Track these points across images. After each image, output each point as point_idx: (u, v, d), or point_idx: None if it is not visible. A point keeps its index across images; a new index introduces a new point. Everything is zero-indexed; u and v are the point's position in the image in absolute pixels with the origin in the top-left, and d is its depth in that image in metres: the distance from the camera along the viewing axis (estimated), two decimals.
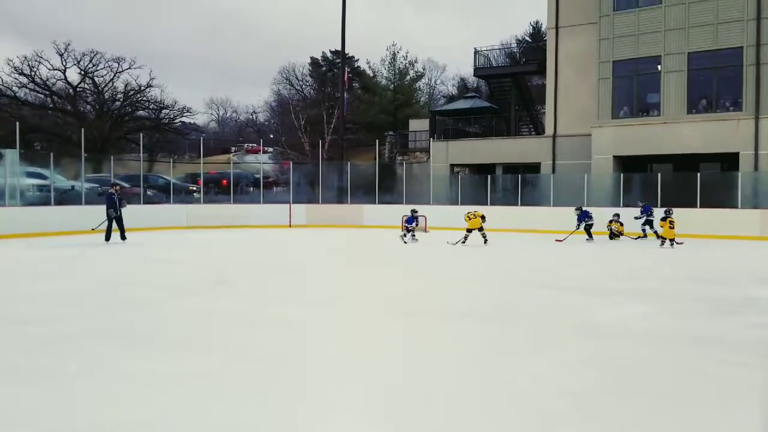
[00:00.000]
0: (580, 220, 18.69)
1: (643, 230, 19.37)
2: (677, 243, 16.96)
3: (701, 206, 20.58)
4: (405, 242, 17.61)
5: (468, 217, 16.77)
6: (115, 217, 16.78)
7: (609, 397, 4.42)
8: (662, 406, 4.27)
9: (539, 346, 5.92)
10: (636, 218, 19.35)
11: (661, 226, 17.20)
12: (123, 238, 16.93)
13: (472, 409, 4.17)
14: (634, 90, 24.74)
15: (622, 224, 19.15)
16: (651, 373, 5.05)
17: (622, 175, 22.94)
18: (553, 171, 26.84)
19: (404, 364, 5.24)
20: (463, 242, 16.69)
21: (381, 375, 4.92)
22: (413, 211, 18.50)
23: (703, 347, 5.91)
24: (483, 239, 16.76)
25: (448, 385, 4.69)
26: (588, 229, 18.61)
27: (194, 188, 27.66)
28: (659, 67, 23.54)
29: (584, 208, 19.11)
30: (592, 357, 5.50)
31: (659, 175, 22.10)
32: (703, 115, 23.08)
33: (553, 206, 22.94)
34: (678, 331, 6.60)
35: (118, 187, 17.34)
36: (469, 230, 16.75)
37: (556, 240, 18.54)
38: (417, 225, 18.54)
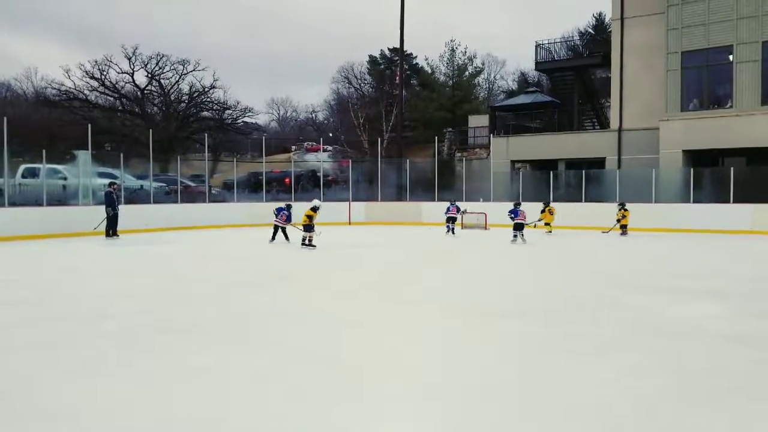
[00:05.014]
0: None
1: (453, 229, 19.76)
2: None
3: None
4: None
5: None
6: (111, 215, 17.58)
7: (678, 401, 4.23)
8: (737, 411, 4.05)
9: (606, 346, 5.73)
10: (448, 214, 19.93)
11: (624, 215, 19.39)
12: (115, 234, 17.67)
13: (536, 411, 4.05)
14: (704, 81, 23.75)
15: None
16: (725, 375, 4.81)
17: (692, 170, 22.09)
18: (619, 166, 26.04)
19: (464, 363, 5.15)
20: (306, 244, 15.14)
21: (440, 374, 4.86)
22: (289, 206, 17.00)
23: None
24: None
25: (512, 385, 4.58)
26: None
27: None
28: (731, 57, 22.54)
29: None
30: (661, 358, 5.27)
31: (732, 169, 21.21)
32: None
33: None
34: (755, 332, 6.28)
35: (115, 186, 18.31)
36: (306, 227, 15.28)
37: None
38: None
